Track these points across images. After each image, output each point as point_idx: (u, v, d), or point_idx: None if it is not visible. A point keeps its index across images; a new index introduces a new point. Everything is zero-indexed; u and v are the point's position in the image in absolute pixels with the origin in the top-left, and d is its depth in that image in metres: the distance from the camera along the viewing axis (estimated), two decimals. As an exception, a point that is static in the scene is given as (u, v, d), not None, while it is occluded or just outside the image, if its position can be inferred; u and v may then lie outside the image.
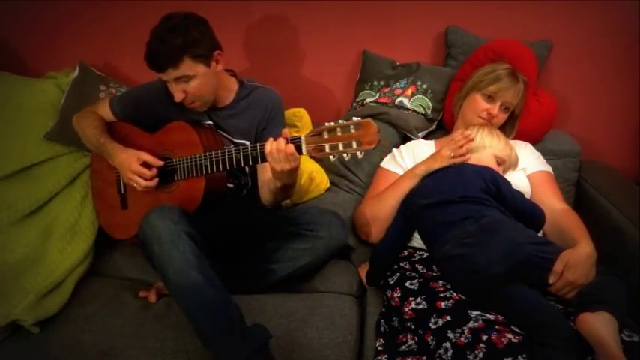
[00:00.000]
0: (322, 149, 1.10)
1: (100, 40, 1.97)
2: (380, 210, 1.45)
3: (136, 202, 1.47)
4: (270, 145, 1.17)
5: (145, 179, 1.34)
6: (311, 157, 1.15)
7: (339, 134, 1.09)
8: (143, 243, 1.19)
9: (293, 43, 1.93)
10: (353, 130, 1.07)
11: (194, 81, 1.31)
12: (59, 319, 1.33)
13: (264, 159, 1.20)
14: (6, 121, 1.64)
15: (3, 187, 1.56)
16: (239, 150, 1.26)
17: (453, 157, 1.36)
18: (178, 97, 1.32)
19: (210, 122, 1.46)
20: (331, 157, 1.10)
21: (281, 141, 1.15)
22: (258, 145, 1.22)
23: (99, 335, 1.26)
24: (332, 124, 1.10)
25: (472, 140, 1.38)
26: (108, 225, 1.56)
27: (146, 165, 1.35)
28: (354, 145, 1.07)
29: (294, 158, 1.16)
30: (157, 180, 1.36)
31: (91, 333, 1.27)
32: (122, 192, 1.50)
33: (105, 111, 1.53)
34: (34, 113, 1.67)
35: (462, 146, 1.36)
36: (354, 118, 1.08)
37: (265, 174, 1.40)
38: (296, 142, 1.15)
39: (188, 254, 1.14)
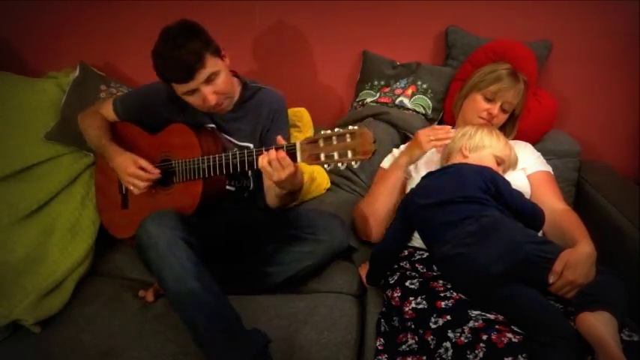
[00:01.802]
0: (318, 157, 1.09)
1: (100, 40, 1.97)
2: (373, 205, 1.47)
3: (136, 203, 1.48)
4: (261, 160, 1.15)
5: (142, 181, 1.34)
6: (306, 164, 1.13)
7: (335, 143, 1.07)
8: (140, 249, 1.19)
9: (293, 43, 1.93)
10: (349, 139, 1.05)
11: (220, 77, 1.31)
12: (60, 319, 1.33)
13: None
14: (6, 120, 1.64)
15: (3, 187, 1.56)
16: (236, 155, 1.25)
17: (431, 142, 1.39)
18: (212, 99, 1.30)
19: (213, 125, 1.45)
20: (326, 165, 1.08)
21: (272, 152, 1.13)
22: (254, 150, 1.21)
23: (99, 335, 1.27)
24: (328, 132, 1.08)
25: (450, 138, 1.40)
26: (109, 224, 1.56)
27: (142, 169, 1.35)
28: (349, 154, 1.05)
29: (286, 163, 1.13)
30: (150, 183, 1.36)
31: (92, 333, 1.27)
32: (123, 192, 1.51)
33: (108, 111, 1.53)
34: (34, 113, 1.67)
35: (441, 138, 1.39)
36: (351, 127, 1.06)
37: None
38: (291, 150, 1.13)
39: (185, 261, 1.14)
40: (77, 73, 1.77)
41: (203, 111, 1.39)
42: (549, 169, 1.51)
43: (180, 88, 1.30)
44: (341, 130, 1.07)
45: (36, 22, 1.97)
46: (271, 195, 1.43)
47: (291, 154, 1.13)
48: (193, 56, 1.23)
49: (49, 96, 1.72)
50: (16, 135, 1.63)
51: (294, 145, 1.12)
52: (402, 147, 1.61)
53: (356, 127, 1.06)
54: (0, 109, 1.66)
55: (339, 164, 1.07)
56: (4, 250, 1.44)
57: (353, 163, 1.06)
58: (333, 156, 1.07)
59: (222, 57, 1.33)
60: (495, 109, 1.48)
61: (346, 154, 1.06)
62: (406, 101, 1.79)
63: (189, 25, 1.28)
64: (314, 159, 1.09)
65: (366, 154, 1.04)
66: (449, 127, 1.42)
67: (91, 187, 1.63)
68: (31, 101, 1.70)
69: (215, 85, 1.30)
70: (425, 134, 1.41)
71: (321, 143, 1.08)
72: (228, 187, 1.47)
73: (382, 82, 1.85)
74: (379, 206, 1.45)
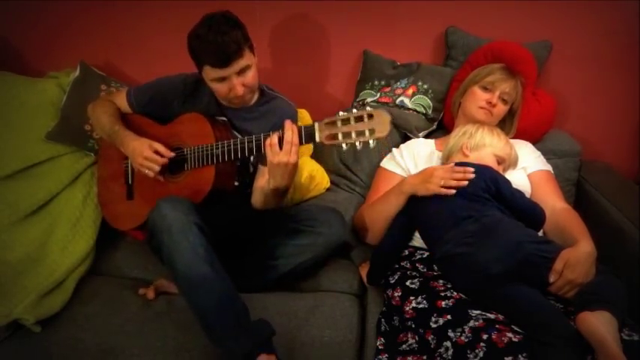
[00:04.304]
0: (335, 137, 1.12)
1: (100, 39, 1.97)
2: (373, 220, 1.46)
3: (143, 193, 1.48)
4: (273, 137, 1.19)
5: (158, 165, 1.35)
6: (323, 145, 1.16)
7: (353, 123, 1.10)
8: (152, 232, 1.19)
9: (294, 43, 1.93)
10: (366, 120, 1.09)
11: (250, 71, 1.34)
12: (60, 318, 1.33)
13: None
14: (7, 120, 1.64)
15: (4, 186, 1.56)
16: (252, 139, 1.26)
17: (443, 185, 1.25)
18: (240, 90, 1.33)
19: (224, 118, 1.46)
20: (344, 145, 1.12)
21: (288, 134, 1.17)
22: (271, 133, 1.22)
23: (100, 334, 1.27)
24: (345, 113, 1.12)
25: (470, 178, 1.26)
26: (112, 216, 1.56)
27: (157, 154, 1.36)
28: (367, 134, 1.09)
29: (294, 151, 1.16)
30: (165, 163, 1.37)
31: (93, 332, 1.28)
32: (130, 182, 1.51)
33: (121, 101, 1.54)
34: (35, 113, 1.67)
35: (458, 178, 1.25)
36: (368, 108, 1.10)
37: (261, 179, 1.41)
38: (309, 130, 1.16)
39: (198, 246, 1.14)
40: (77, 72, 1.77)
41: (223, 102, 1.42)
42: (549, 168, 1.51)
43: (211, 73, 1.31)
44: (358, 111, 1.10)
45: (36, 22, 1.97)
46: (257, 194, 1.43)
47: (310, 134, 1.16)
48: (234, 45, 1.26)
49: (50, 96, 1.73)
50: (17, 135, 1.63)
51: (313, 125, 1.15)
52: (402, 146, 1.61)
53: (372, 109, 1.10)
54: (0, 109, 1.66)
55: (357, 143, 1.10)
56: (5, 250, 1.45)
57: (370, 142, 1.09)
58: (350, 135, 1.10)
59: (254, 54, 1.36)
60: (494, 97, 1.49)
61: (363, 134, 1.09)
62: (407, 101, 1.79)
63: (232, 16, 1.31)
64: (331, 138, 1.13)
65: (383, 132, 1.08)
66: (470, 168, 1.26)
67: (92, 187, 1.63)
68: (31, 101, 1.70)
69: (245, 77, 1.33)
70: (440, 176, 1.27)
71: (339, 124, 1.12)
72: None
73: (382, 82, 1.85)
74: (378, 222, 1.43)
